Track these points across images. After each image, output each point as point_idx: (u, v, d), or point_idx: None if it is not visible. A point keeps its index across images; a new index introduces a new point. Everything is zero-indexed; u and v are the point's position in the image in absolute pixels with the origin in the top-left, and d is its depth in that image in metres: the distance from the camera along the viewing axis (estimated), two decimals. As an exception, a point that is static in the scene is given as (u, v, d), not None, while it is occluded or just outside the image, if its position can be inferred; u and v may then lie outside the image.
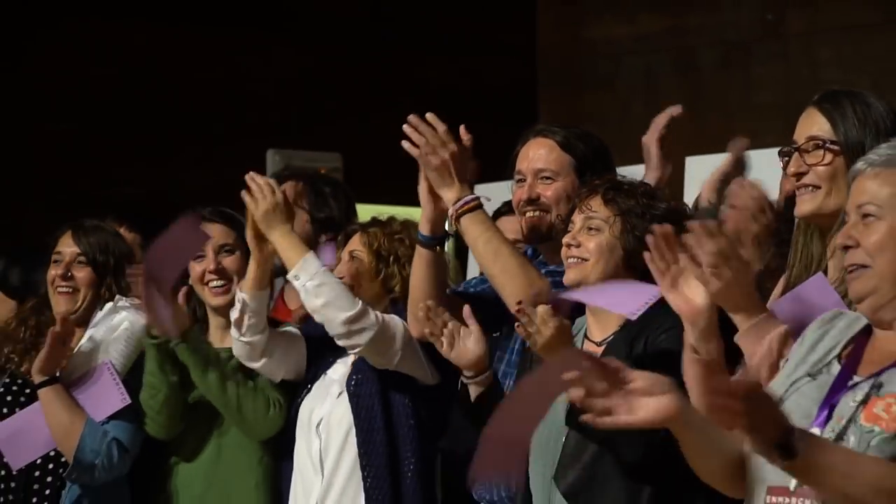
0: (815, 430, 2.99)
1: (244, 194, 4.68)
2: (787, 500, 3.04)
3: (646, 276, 3.93)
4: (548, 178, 4.51)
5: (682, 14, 8.21)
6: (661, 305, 3.89)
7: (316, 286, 4.53)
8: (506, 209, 5.16)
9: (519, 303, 4.03)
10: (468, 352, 4.13)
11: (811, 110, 3.70)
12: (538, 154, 4.55)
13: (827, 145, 3.61)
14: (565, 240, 4.12)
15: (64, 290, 4.89)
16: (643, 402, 2.95)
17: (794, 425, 2.85)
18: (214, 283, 4.81)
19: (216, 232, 4.82)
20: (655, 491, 3.96)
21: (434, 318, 4.08)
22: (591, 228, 4.09)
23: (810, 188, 3.63)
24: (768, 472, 3.02)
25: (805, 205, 3.65)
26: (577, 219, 4.13)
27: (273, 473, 4.85)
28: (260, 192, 4.63)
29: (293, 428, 4.74)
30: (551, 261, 4.47)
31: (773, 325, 3.38)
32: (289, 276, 4.63)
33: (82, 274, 4.91)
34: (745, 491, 3.18)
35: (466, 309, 4.14)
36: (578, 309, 4.17)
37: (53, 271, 4.90)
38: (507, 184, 4.67)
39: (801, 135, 3.68)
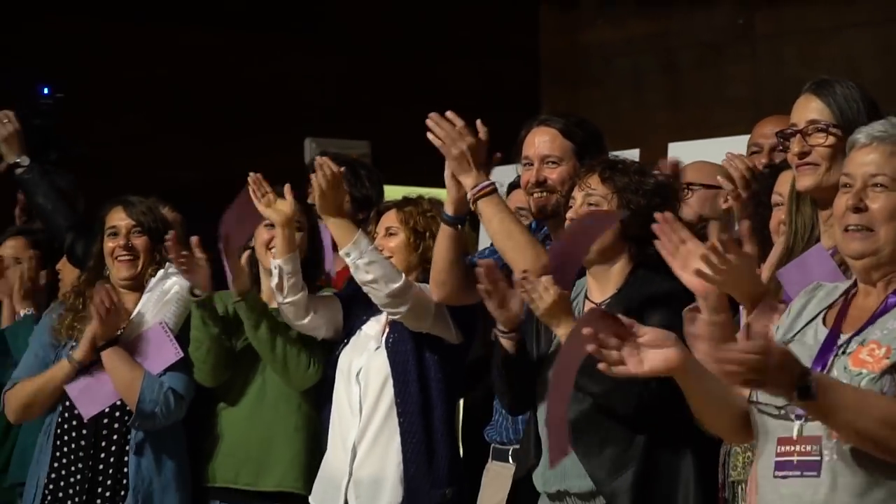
0: None
1: (313, 177, 4.61)
2: (794, 447, 2.98)
3: (640, 245, 4.02)
4: (553, 162, 4.45)
5: (663, 20, 8.11)
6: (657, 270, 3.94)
7: (366, 263, 4.47)
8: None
9: (524, 272, 4.00)
10: (510, 310, 4.05)
11: (809, 96, 3.68)
12: (543, 141, 4.49)
13: (830, 129, 3.59)
14: (569, 215, 4.11)
15: (125, 258, 4.84)
16: (651, 354, 2.93)
17: (807, 367, 2.84)
18: None
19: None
20: (648, 438, 3.93)
21: (491, 277, 4.00)
22: (590, 204, 4.06)
23: (811, 165, 3.60)
24: (774, 426, 3.00)
25: (806, 179, 3.61)
26: (578, 196, 4.09)
27: (311, 419, 4.81)
28: (326, 180, 4.56)
29: (331, 378, 4.71)
30: (556, 234, 4.41)
31: (773, 308, 3.34)
32: (341, 253, 4.57)
33: (139, 241, 4.85)
34: (751, 440, 3.13)
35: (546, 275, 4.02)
36: (580, 272, 4.13)
37: (112, 243, 4.86)
38: (514, 167, 4.62)
39: (800, 118, 3.66)
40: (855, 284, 3.11)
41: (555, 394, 3.48)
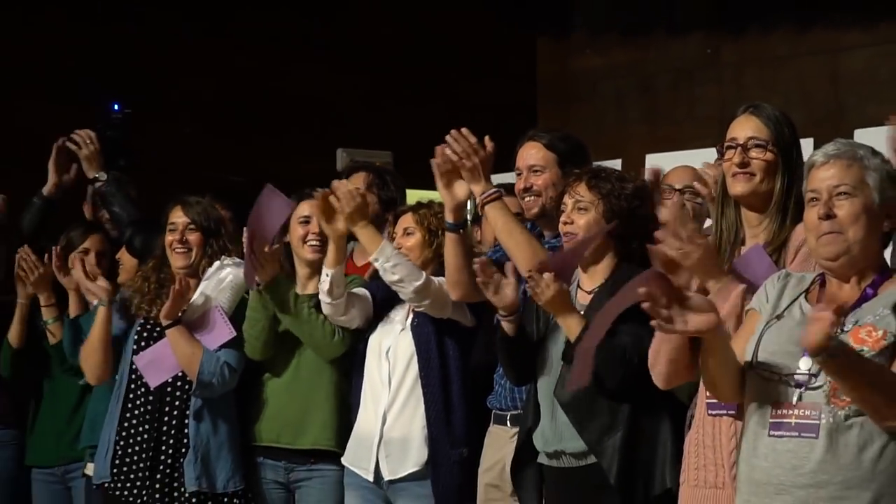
0: (805, 358, 2.97)
1: (332, 199, 4.59)
2: (792, 411, 2.98)
3: (624, 242, 4.06)
4: (537, 171, 4.44)
5: (642, 49, 8.09)
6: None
7: (391, 266, 4.47)
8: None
9: (529, 272, 3.98)
10: (507, 296, 4.05)
11: (749, 116, 3.69)
12: (529, 153, 4.49)
13: (768, 146, 3.61)
14: (562, 219, 4.11)
15: (181, 250, 4.82)
16: (695, 317, 2.93)
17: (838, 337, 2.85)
18: (313, 242, 4.73)
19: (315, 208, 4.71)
20: (632, 407, 3.95)
21: (486, 272, 4.01)
22: (580, 209, 4.07)
23: (747, 175, 3.59)
24: (773, 391, 3.01)
25: (741, 186, 3.61)
26: (568, 202, 4.10)
27: (340, 389, 4.78)
28: (346, 197, 4.55)
29: (362, 354, 4.70)
30: (547, 230, 4.43)
31: (734, 286, 3.35)
32: (370, 259, 4.56)
33: (193, 237, 4.83)
34: (744, 402, 3.13)
35: (510, 265, 4.08)
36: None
37: (171, 237, 4.84)
38: (514, 174, 4.56)
39: (740, 134, 3.65)
40: (821, 275, 3.12)
41: (592, 331, 3.49)
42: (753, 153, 3.63)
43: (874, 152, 3.11)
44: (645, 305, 2.91)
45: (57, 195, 5.70)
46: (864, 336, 2.94)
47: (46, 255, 5.25)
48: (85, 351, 4.92)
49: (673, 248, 3.46)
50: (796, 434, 2.95)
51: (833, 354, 2.81)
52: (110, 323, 4.88)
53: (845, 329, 2.96)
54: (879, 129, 5.19)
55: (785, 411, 2.98)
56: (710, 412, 3.40)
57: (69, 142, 5.57)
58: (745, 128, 3.68)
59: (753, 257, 3.50)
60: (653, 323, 2.96)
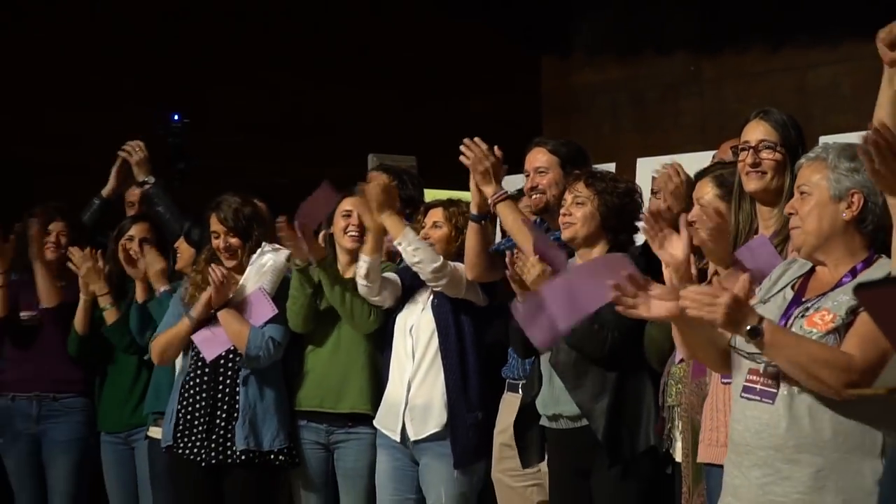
0: None
1: (365, 189, 4.64)
2: (760, 378, 2.96)
3: (615, 233, 4.11)
4: (542, 171, 4.47)
5: (633, 67, 8.02)
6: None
7: (412, 249, 4.47)
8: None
9: (516, 252, 4.08)
10: (528, 283, 4.02)
11: (759, 121, 3.66)
12: (536, 157, 4.51)
13: (777, 148, 3.59)
14: (562, 212, 4.14)
15: (226, 255, 4.81)
16: (657, 304, 2.92)
17: (762, 316, 2.83)
18: (353, 233, 4.73)
19: (356, 204, 4.75)
20: (618, 375, 3.99)
21: (518, 259, 4.03)
22: (578, 203, 4.10)
23: (759, 173, 3.59)
24: (746, 364, 2.99)
25: (754, 183, 3.60)
26: (569, 197, 4.13)
27: (374, 360, 4.75)
28: (376, 190, 4.56)
29: (391, 332, 4.69)
30: (553, 225, 4.40)
31: (741, 272, 3.20)
32: (394, 243, 4.55)
33: (234, 241, 4.80)
34: (730, 371, 3.11)
35: (509, 253, 4.11)
36: (569, 253, 4.17)
37: (216, 242, 4.84)
38: (521, 176, 4.61)
39: (752, 137, 3.63)
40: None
41: (555, 292, 3.44)
42: (764, 154, 3.61)
43: (842, 150, 3.06)
44: (611, 295, 2.90)
45: (114, 196, 5.76)
46: (818, 320, 2.92)
47: (101, 251, 5.26)
48: (160, 342, 4.90)
49: (705, 228, 3.47)
50: (759, 399, 2.95)
51: (753, 335, 2.81)
52: (190, 333, 4.82)
53: (805, 314, 2.95)
54: (841, 135, 5.19)
55: (754, 377, 2.97)
56: (722, 380, 3.37)
57: (122, 151, 5.61)
58: (756, 131, 3.66)
59: (757, 246, 3.47)
60: (618, 308, 2.94)
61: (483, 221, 4.47)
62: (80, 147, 6.64)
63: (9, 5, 6.69)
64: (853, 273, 2.97)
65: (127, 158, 5.58)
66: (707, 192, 3.71)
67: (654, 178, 4.27)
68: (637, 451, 3.95)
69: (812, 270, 3.07)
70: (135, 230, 5.29)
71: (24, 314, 5.33)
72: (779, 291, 3.08)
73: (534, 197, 4.49)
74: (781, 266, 3.18)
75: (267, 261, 4.80)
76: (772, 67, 7.48)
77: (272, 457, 4.73)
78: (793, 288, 3.06)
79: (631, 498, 3.97)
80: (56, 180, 6.28)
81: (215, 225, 4.85)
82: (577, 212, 4.10)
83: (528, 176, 4.54)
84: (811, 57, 7.36)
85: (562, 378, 4.05)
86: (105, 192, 5.74)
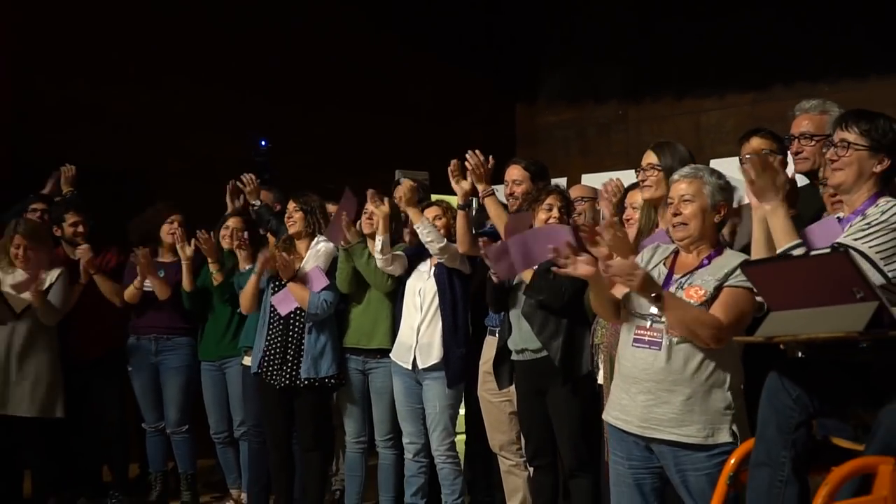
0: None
1: (400, 190, 4.57)
2: (647, 332, 2.95)
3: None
4: (517, 182, 4.44)
5: (579, 111, 8.00)
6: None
7: (427, 232, 4.41)
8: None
9: (483, 241, 3.99)
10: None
11: (649, 151, 3.57)
12: (513, 172, 4.47)
13: (658, 168, 3.47)
14: (540, 217, 4.00)
15: (291, 223, 4.74)
16: (582, 266, 2.93)
17: (661, 286, 2.86)
18: (369, 221, 4.62)
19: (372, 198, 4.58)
20: (568, 321, 3.93)
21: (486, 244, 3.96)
22: (549, 209, 4.01)
23: (650, 186, 3.50)
24: (636, 321, 2.98)
25: (647, 192, 3.51)
26: (545, 205, 4.02)
27: (393, 312, 4.67)
28: (405, 188, 4.53)
29: (403, 293, 4.62)
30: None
31: (633, 258, 3.02)
32: (414, 226, 4.49)
33: (298, 214, 4.75)
34: (621, 322, 3.06)
35: (484, 240, 4.05)
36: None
37: (287, 217, 4.80)
38: (500, 187, 4.55)
39: (645, 163, 3.54)
40: (677, 248, 3.07)
41: (514, 244, 3.52)
42: (649, 172, 3.51)
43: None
44: (551, 255, 2.93)
45: (239, 208, 5.60)
46: (693, 293, 2.89)
47: (210, 233, 5.18)
48: (243, 295, 4.88)
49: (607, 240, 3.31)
50: (647, 346, 2.94)
51: (657, 300, 2.81)
52: (258, 284, 4.80)
53: (682, 287, 2.91)
54: (725, 160, 5.16)
55: (642, 332, 2.96)
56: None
57: (238, 182, 5.48)
58: (646, 158, 3.54)
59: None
60: (553, 269, 2.96)
61: (465, 209, 4.38)
62: (201, 161, 6.63)
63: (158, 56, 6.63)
64: (710, 258, 2.95)
65: (241, 189, 5.50)
66: (637, 198, 3.65)
67: (600, 191, 4.18)
68: (580, 375, 3.95)
69: (675, 253, 3.04)
70: (231, 222, 5.24)
71: (146, 283, 5.18)
72: (653, 268, 3.03)
73: (510, 201, 4.45)
74: (649, 249, 3.12)
75: (321, 248, 4.77)
76: (676, 112, 7.49)
77: (326, 381, 4.71)
78: (665, 265, 3.02)
79: (575, 408, 3.96)
80: (179, 185, 6.26)
81: (290, 205, 4.80)
82: (544, 216, 4.02)
83: (506, 185, 4.50)
84: (704, 105, 7.36)
85: (529, 323, 4.00)
86: (230, 209, 5.60)
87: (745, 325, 2.82)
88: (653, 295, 2.79)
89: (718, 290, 2.86)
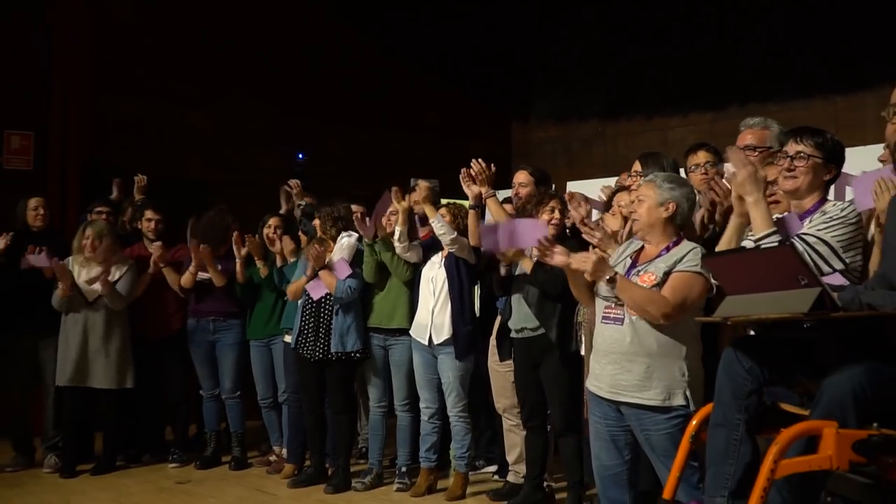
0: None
1: (419, 189, 4.58)
2: (612, 310, 2.94)
3: (576, 233, 3.87)
4: (523, 186, 4.39)
5: (564, 129, 7.98)
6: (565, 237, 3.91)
7: (440, 226, 4.35)
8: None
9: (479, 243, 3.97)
10: (505, 257, 3.98)
11: (637, 160, 3.50)
12: (520, 177, 4.44)
13: (640, 175, 3.45)
14: (544, 217, 3.92)
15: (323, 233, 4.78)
16: (557, 257, 2.97)
17: (616, 271, 2.88)
18: (391, 218, 4.58)
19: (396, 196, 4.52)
20: (562, 305, 3.89)
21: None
22: (552, 211, 3.95)
23: (635, 189, 3.29)
24: (603, 303, 2.98)
25: (634, 195, 3.21)
26: (548, 207, 3.97)
27: (410, 296, 4.59)
28: (422, 188, 4.45)
29: (419, 280, 4.57)
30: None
31: (604, 257, 3.00)
32: (430, 222, 4.41)
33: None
34: (593, 303, 3.06)
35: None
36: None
37: (317, 220, 4.78)
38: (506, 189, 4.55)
39: (633, 170, 3.54)
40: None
41: (505, 230, 3.47)
42: (636, 178, 3.46)
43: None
44: (532, 244, 2.92)
45: (287, 213, 5.59)
46: (646, 278, 2.89)
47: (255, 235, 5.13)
48: (292, 287, 4.83)
49: (596, 238, 3.34)
50: (613, 323, 2.93)
51: (610, 282, 2.83)
52: (306, 282, 4.66)
53: (638, 274, 2.89)
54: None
55: (608, 311, 2.95)
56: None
57: (286, 185, 5.55)
58: (634, 166, 3.51)
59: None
60: (535, 256, 2.95)
61: (476, 209, 4.34)
62: (247, 171, 6.66)
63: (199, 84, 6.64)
64: (667, 249, 2.93)
65: (289, 191, 5.49)
66: (624, 199, 3.60)
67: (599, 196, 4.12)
68: (570, 350, 3.93)
69: (642, 247, 3.04)
70: (272, 221, 5.20)
71: (201, 274, 5.16)
72: (622, 260, 3.05)
73: (516, 202, 4.39)
74: (625, 244, 3.12)
75: (345, 242, 4.75)
76: (646, 129, 7.49)
77: (353, 355, 4.68)
78: (631, 258, 3.03)
79: (563, 378, 3.95)
80: (227, 192, 6.29)
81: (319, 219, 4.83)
82: (548, 216, 3.93)
83: (514, 187, 4.45)
84: (670, 123, 7.36)
85: (529, 306, 3.97)
86: (282, 210, 5.62)
87: (693, 304, 2.79)
88: (607, 278, 2.80)
89: (668, 275, 2.84)
